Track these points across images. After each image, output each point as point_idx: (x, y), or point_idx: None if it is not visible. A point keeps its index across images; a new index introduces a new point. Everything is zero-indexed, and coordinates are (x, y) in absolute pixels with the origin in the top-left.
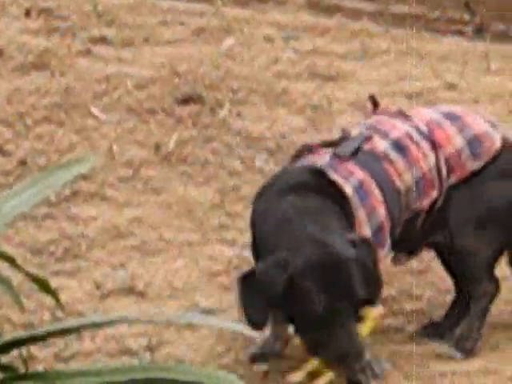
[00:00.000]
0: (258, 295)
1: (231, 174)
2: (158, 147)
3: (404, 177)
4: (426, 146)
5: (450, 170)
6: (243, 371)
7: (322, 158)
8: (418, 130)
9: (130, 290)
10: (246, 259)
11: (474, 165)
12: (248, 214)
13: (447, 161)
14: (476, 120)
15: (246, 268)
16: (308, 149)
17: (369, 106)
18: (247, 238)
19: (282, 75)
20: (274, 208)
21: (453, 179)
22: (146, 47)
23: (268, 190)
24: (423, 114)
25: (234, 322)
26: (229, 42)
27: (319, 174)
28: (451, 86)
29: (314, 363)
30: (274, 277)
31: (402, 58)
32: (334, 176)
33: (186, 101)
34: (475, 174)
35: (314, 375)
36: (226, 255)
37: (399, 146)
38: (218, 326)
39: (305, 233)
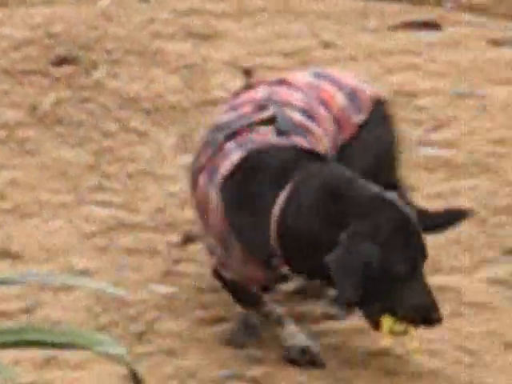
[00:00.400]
0: (352, 272)
1: (107, 135)
2: (33, 108)
3: (324, 145)
4: (321, 109)
5: (339, 129)
6: (120, 332)
7: (271, 136)
8: (307, 95)
9: (5, 253)
10: (121, 220)
11: (357, 119)
12: (123, 174)
13: (336, 120)
14: (346, 76)
15: (121, 229)
16: (241, 129)
17: (242, 79)
18: (123, 198)
19: (158, 35)
20: (298, 188)
21: (343, 137)
22: (20, 8)
23: (250, 178)
24: (300, 79)
25: (109, 284)
26: (104, 2)
27: (295, 150)
28: (328, 45)
29: (389, 322)
30: (368, 250)
31: (279, 17)
32: (318, 149)
33: (61, 62)
34: (359, 129)
35: (394, 334)
36: (101, 216)
37: (308, 115)
38: (93, 288)
39: (366, 197)
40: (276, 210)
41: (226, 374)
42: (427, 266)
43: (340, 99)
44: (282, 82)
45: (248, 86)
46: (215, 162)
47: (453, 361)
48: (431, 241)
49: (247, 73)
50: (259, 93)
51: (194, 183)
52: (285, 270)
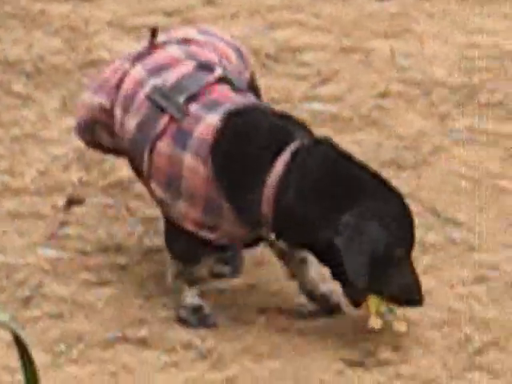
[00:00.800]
0: (362, 255)
1: None
2: None
3: None
4: (230, 67)
5: None
6: (7, 297)
7: (235, 96)
8: (215, 53)
9: None
10: (5, 185)
11: (247, 75)
12: (7, 138)
13: None
14: (226, 34)
15: (6, 194)
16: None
17: (148, 38)
18: (7, 163)
19: None
20: (298, 161)
21: None
22: None
23: (241, 141)
24: (194, 36)
25: None
26: None
27: (277, 113)
28: (210, 2)
29: (375, 302)
30: (376, 232)
31: None
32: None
33: None
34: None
35: (379, 314)
36: None
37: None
38: None
39: (369, 179)
40: (273, 179)
41: (113, 336)
42: None
43: (234, 57)
44: (187, 41)
45: (152, 46)
46: (183, 126)
47: (344, 315)
48: None
49: (153, 32)
50: (176, 52)
51: (151, 149)
52: (270, 235)
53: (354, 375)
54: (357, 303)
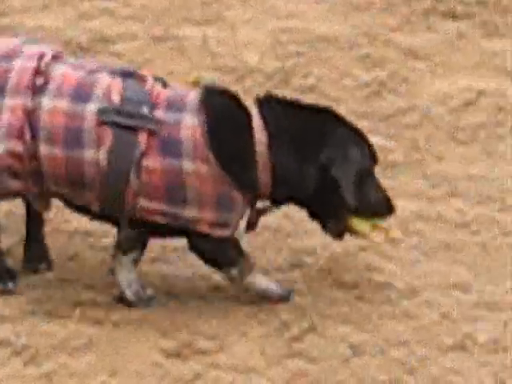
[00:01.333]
0: (351, 176)
1: None
2: None
3: None
4: None
5: None
6: None
7: (180, 90)
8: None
9: None
10: None
11: None
12: None
13: None
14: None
15: None
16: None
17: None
18: None
19: None
20: (274, 128)
21: None
22: None
23: (228, 130)
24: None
25: None
26: None
27: (224, 94)
28: None
29: (357, 223)
30: (356, 155)
31: None
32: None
33: None
34: None
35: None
36: None
37: None
38: None
39: (321, 113)
40: (261, 148)
41: None
42: None
43: None
44: (57, 57)
45: (39, 72)
46: (164, 136)
47: (160, 306)
48: None
49: (40, 57)
50: (71, 71)
51: (138, 169)
52: (265, 203)
53: (170, 366)
54: (340, 234)
